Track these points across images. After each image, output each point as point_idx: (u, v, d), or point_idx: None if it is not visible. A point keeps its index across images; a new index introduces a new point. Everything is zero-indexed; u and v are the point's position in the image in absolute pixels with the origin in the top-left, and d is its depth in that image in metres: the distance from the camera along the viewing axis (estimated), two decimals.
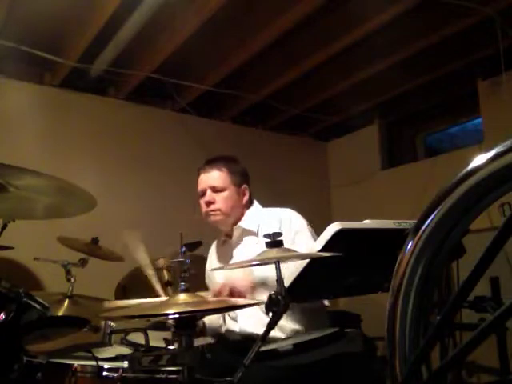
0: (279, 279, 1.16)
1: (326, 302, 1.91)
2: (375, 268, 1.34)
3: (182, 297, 1.20)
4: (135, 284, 2.58)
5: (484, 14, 2.75)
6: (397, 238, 0.81)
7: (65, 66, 3.09)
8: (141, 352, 1.50)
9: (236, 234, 2.04)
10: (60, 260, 2.33)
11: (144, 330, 1.36)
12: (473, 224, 0.70)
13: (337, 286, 1.44)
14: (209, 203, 2.00)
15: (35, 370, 1.49)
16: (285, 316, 1.20)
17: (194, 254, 2.25)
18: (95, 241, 2.44)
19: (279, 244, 1.20)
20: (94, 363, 1.43)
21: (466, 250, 1.45)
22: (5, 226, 2.09)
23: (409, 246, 0.71)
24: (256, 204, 2.12)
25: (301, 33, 2.96)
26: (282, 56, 3.24)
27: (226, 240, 2.11)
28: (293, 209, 2.04)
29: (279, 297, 1.14)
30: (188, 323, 1.19)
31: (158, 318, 1.54)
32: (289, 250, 1.25)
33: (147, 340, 1.34)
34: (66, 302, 2.21)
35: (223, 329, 2.01)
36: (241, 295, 1.71)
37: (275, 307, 1.14)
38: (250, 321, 1.85)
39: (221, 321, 2.06)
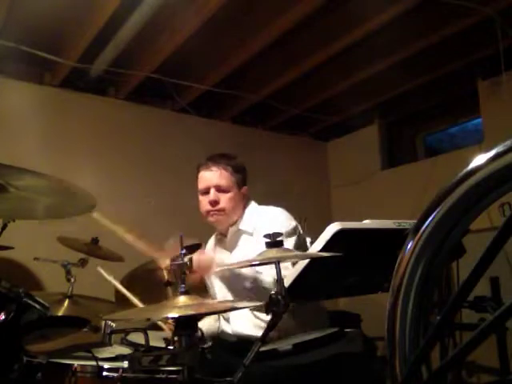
0: (279, 279, 1.16)
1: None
2: (375, 268, 1.34)
3: (182, 299, 1.20)
4: (135, 284, 2.58)
5: (484, 13, 2.75)
6: (397, 237, 0.81)
7: (65, 65, 3.09)
8: (141, 352, 1.50)
9: (231, 234, 2.03)
10: (60, 260, 2.33)
11: (144, 330, 1.36)
12: (473, 224, 0.70)
13: (337, 285, 1.44)
14: (214, 203, 1.96)
15: (35, 370, 1.49)
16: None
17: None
18: (95, 241, 2.44)
19: (279, 244, 1.20)
20: (94, 363, 1.43)
21: (466, 250, 1.45)
22: (5, 226, 2.09)
23: (409, 246, 0.71)
24: (252, 203, 2.09)
25: (301, 33, 2.96)
26: (282, 56, 3.24)
27: (221, 238, 2.09)
28: (293, 209, 2.03)
29: (279, 297, 1.14)
30: (188, 324, 1.19)
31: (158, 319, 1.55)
32: (289, 250, 1.25)
33: (147, 340, 1.34)
34: (66, 302, 2.21)
35: (219, 329, 2.01)
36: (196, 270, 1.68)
37: (275, 307, 1.14)
38: (241, 322, 1.86)
39: (217, 324, 2.06)
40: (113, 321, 1.38)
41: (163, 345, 1.76)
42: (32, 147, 2.96)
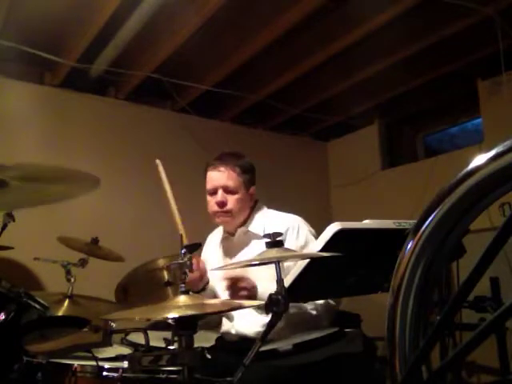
0: (279, 279, 1.16)
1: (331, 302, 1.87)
2: (375, 268, 1.34)
3: (182, 299, 1.20)
4: (135, 284, 2.58)
5: (484, 14, 2.75)
6: (397, 237, 0.81)
7: (65, 65, 3.09)
8: (141, 352, 1.50)
9: (239, 235, 1.99)
10: (60, 260, 2.33)
11: (144, 330, 1.36)
12: (473, 224, 0.70)
13: (337, 285, 1.44)
14: (221, 204, 1.93)
15: (35, 370, 1.49)
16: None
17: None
18: (95, 241, 2.44)
19: (279, 244, 1.20)
20: (94, 363, 1.43)
21: (466, 250, 1.45)
22: (5, 226, 2.09)
23: (409, 246, 0.71)
24: (260, 205, 2.06)
25: (301, 33, 2.96)
26: (282, 56, 3.24)
27: (228, 237, 2.05)
28: (293, 209, 2.03)
29: (279, 297, 1.14)
30: (188, 323, 1.19)
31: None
32: (289, 250, 1.25)
33: (147, 340, 1.34)
34: (66, 302, 2.21)
35: (221, 329, 2.00)
36: (242, 292, 1.66)
37: (275, 307, 1.14)
38: (245, 322, 1.85)
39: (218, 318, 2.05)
40: (113, 321, 1.38)
41: (163, 345, 1.77)
42: (32, 147, 2.96)
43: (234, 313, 1.90)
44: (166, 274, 2.58)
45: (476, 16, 2.79)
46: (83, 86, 3.33)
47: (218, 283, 2.03)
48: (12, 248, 2.36)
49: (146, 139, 3.58)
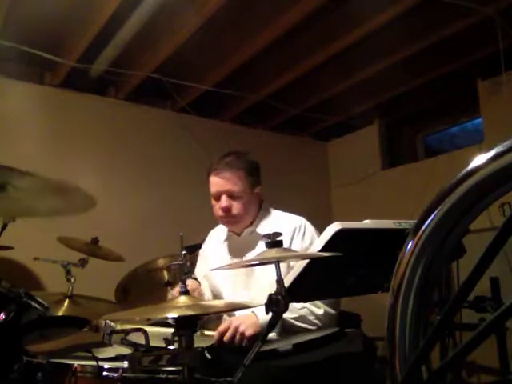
0: (279, 279, 1.16)
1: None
2: (375, 268, 1.34)
3: (182, 299, 1.20)
4: (135, 284, 2.59)
5: (484, 13, 2.75)
6: (397, 237, 0.81)
7: (65, 65, 3.09)
8: (141, 352, 1.50)
9: (247, 235, 1.97)
10: (60, 260, 2.33)
11: (144, 330, 1.35)
12: (473, 224, 0.70)
13: (337, 286, 1.44)
14: (226, 210, 1.88)
15: (35, 370, 1.48)
16: None
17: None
18: (95, 241, 2.44)
19: (279, 244, 1.20)
20: (94, 363, 1.43)
21: (466, 250, 1.45)
22: (5, 226, 2.09)
23: (409, 246, 0.71)
24: (266, 205, 2.03)
25: (301, 33, 2.96)
26: (282, 56, 3.24)
27: (233, 236, 2.02)
28: (293, 209, 2.03)
29: (279, 297, 1.14)
30: (188, 323, 1.19)
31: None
32: (289, 250, 1.25)
33: (147, 340, 1.34)
34: (66, 302, 2.21)
35: None
36: (242, 337, 1.59)
37: (275, 307, 1.14)
38: None
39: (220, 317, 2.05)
40: (113, 321, 1.38)
41: (163, 345, 1.76)
42: (32, 147, 2.96)
43: (236, 313, 1.90)
44: (165, 274, 2.58)
45: (476, 16, 2.79)
46: (83, 85, 3.33)
47: (221, 282, 2.02)
48: (12, 248, 2.36)
49: (146, 139, 3.58)
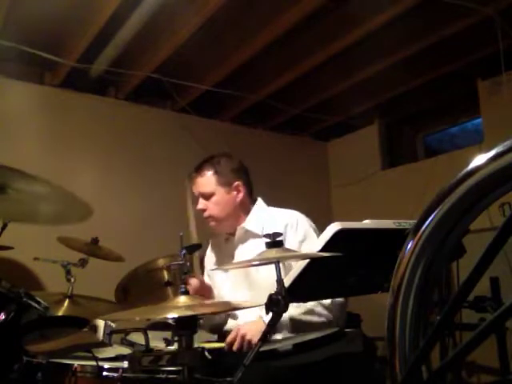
0: (279, 279, 1.16)
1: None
2: (375, 268, 1.34)
3: (182, 299, 1.20)
4: (135, 284, 2.58)
5: (484, 13, 2.75)
6: (397, 237, 0.81)
7: (65, 65, 3.09)
8: (141, 352, 1.50)
9: (239, 234, 2.00)
10: (60, 260, 2.33)
11: (144, 330, 1.36)
12: (473, 224, 0.70)
13: (337, 285, 1.44)
14: (201, 211, 1.98)
15: (35, 370, 1.49)
16: None
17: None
18: (95, 241, 2.44)
19: (279, 244, 1.20)
20: (94, 363, 1.43)
21: (466, 250, 1.45)
22: (5, 226, 2.09)
23: (409, 246, 0.71)
24: (260, 202, 2.06)
25: (301, 33, 2.96)
26: (282, 56, 3.24)
27: (229, 238, 2.06)
28: (293, 209, 2.03)
29: (279, 297, 1.14)
30: (188, 323, 1.19)
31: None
32: (289, 250, 1.25)
33: (147, 340, 1.34)
34: (66, 302, 2.21)
35: (225, 328, 2.00)
36: (250, 344, 1.60)
37: (275, 307, 1.14)
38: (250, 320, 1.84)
39: (223, 316, 2.05)
40: (113, 321, 1.38)
41: (163, 345, 1.77)
42: (32, 147, 2.96)
43: (238, 312, 1.90)
44: (165, 274, 2.58)
45: (476, 16, 2.79)
46: (83, 85, 3.33)
47: (222, 284, 2.02)
48: (12, 248, 2.36)
49: (145, 139, 3.58)
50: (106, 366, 1.44)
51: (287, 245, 1.83)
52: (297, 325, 1.72)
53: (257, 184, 2.16)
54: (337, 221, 1.24)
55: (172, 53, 3.03)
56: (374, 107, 4.09)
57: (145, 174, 3.52)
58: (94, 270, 2.44)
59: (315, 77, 3.48)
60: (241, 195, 2.00)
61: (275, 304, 1.14)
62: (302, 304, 1.71)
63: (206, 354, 1.35)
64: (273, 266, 1.18)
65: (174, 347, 1.48)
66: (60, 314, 2.12)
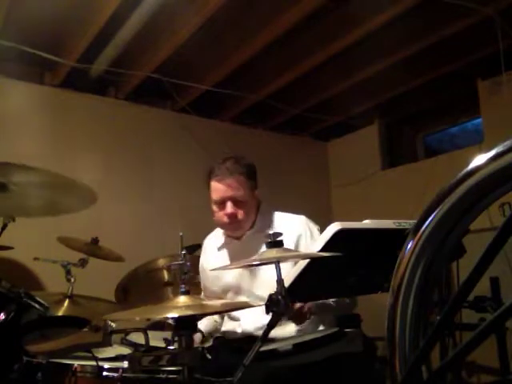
0: (279, 279, 1.16)
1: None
2: (375, 268, 1.34)
3: (183, 299, 1.20)
4: (135, 284, 2.59)
5: (484, 13, 2.75)
6: (397, 237, 0.81)
7: (65, 65, 3.09)
8: (141, 352, 1.50)
9: (249, 237, 1.95)
10: (60, 260, 2.33)
11: (144, 330, 1.36)
12: (473, 224, 0.70)
13: (337, 285, 1.44)
14: (233, 216, 1.87)
15: (35, 370, 1.49)
16: None
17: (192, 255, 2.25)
18: (95, 241, 2.44)
19: (279, 244, 1.20)
20: (94, 363, 1.43)
21: (466, 250, 1.45)
22: (5, 226, 2.08)
23: (409, 246, 0.71)
24: (265, 206, 2.03)
25: (301, 33, 2.96)
26: (282, 56, 3.25)
27: (232, 241, 2.01)
28: (293, 209, 2.02)
29: (279, 297, 1.14)
30: (188, 324, 1.19)
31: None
32: (289, 250, 1.25)
33: (147, 340, 1.34)
34: (66, 302, 2.21)
35: (222, 328, 1.99)
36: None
37: (275, 307, 1.14)
38: (252, 320, 1.84)
39: (218, 319, 2.04)
40: (113, 321, 1.38)
41: (163, 345, 1.77)
42: (32, 147, 2.96)
43: (240, 313, 1.89)
44: (165, 274, 2.58)
45: (476, 16, 2.79)
46: (83, 85, 3.33)
47: (222, 291, 2.00)
48: (12, 248, 2.36)
49: (145, 139, 3.58)
50: (106, 366, 1.45)
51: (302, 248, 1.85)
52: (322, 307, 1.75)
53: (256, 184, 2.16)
54: (337, 221, 1.24)
55: (172, 53, 3.03)
56: (374, 107, 4.09)
57: (145, 174, 3.52)
58: (94, 270, 2.44)
59: (315, 77, 3.48)
60: (257, 201, 1.98)
61: (275, 304, 1.14)
62: None
63: (206, 354, 1.35)
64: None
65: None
66: (60, 313, 2.12)
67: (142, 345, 1.64)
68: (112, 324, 1.36)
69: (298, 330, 1.76)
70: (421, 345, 0.69)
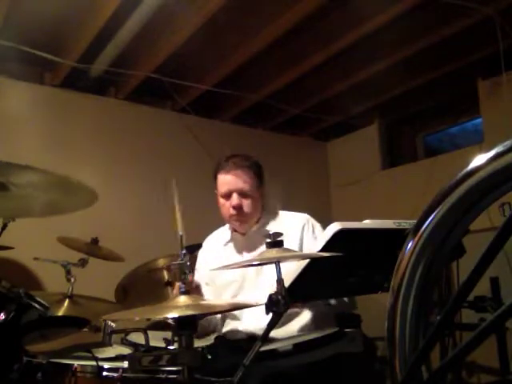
0: (279, 279, 1.16)
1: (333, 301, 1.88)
2: (375, 268, 1.34)
3: (183, 299, 1.20)
4: (135, 284, 2.59)
5: (484, 13, 2.75)
6: (397, 237, 0.81)
7: (65, 65, 3.09)
8: (141, 352, 1.50)
9: (254, 233, 1.98)
10: (60, 260, 2.33)
11: (144, 330, 1.36)
12: (473, 224, 0.70)
13: (337, 285, 1.44)
14: (238, 207, 1.92)
15: (35, 370, 1.49)
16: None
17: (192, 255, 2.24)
18: (95, 241, 2.44)
19: (279, 244, 1.20)
20: (94, 363, 1.43)
21: (466, 250, 1.45)
22: (5, 226, 2.09)
23: (409, 246, 0.71)
24: (270, 205, 2.08)
25: (301, 33, 2.96)
26: (282, 56, 3.24)
27: (236, 237, 2.03)
28: (293, 209, 2.03)
29: (279, 297, 1.14)
30: (188, 324, 1.19)
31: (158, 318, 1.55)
32: (289, 250, 1.25)
33: (147, 340, 1.34)
34: (66, 302, 2.21)
35: (224, 329, 1.99)
36: None
37: (275, 307, 1.14)
38: (255, 320, 1.83)
39: (218, 317, 2.04)
40: (113, 321, 1.38)
41: (163, 345, 1.77)
42: (32, 147, 2.96)
43: (242, 312, 1.89)
44: (165, 274, 2.58)
45: (476, 16, 2.79)
46: (83, 85, 3.33)
47: (227, 283, 2.00)
48: (12, 248, 2.36)
49: (146, 139, 3.58)
50: (106, 366, 1.45)
51: (306, 243, 1.89)
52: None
53: None
54: (337, 221, 1.24)
55: (172, 53, 3.03)
56: (374, 107, 4.09)
57: (145, 174, 3.52)
58: (94, 270, 2.44)
59: (315, 77, 3.48)
60: (264, 198, 2.02)
61: (275, 304, 1.14)
62: None
63: (206, 354, 1.35)
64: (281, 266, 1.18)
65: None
66: (60, 313, 2.12)
67: (142, 345, 1.64)
68: (112, 324, 1.36)
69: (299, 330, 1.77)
70: (421, 345, 0.69)
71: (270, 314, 1.14)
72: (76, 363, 1.49)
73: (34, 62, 3.04)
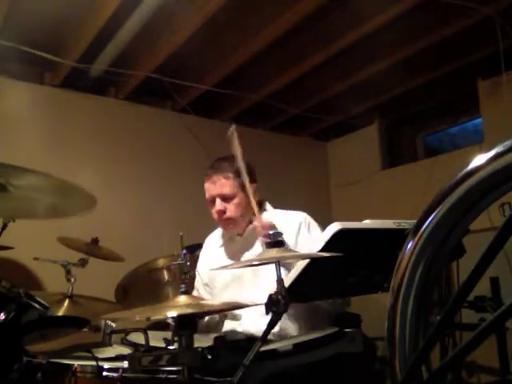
0: (279, 279, 1.16)
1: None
2: (375, 268, 1.34)
3: (183, 298, 1.20)
4: (135, 284, 2.58)
5: (484, 13, 2.75)
6: (397, 237, 0.81)
7: (65, 65, 3.09)
8: (141, 352, 1.50)
9: (250, 233, 1.99)
10: (60, 260, 2.33)
11: (144, 330, 1.36)
12: (473, 224, 0.70)
13: (337, 285, 1.44)
14: (221, 212, 1.95)
15: (35, 370, 1.49)
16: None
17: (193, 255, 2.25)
18: (95, 241, 2.44)
19: (279, 244, 1.20)
20: (94, 363, 1.43)
21: (466, 250, 1.45)
22: (5, 226, 2.08)
23: (409, 246, 0.71)
24: (267, 205, 2.07)
25: (301, 33, 2.96)
26: (282, 56, 3.24)
27: (234, 238, 2.04)
28: (293, 209, 2.03)
29: (279, 297, 1.14)
30: (188, 323, 1.19)
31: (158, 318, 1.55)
32: (289, 250, 1.25)
33: (147, 340, 1.34)
34: (66, 302, 2.21)
35: (223, 329, 2.00)
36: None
37: (275, 307, 1.14)
38: (254, 321, 1.84)
39: (217, 318, 2.04)
40: (113, 321, 1.38)
41: (163, 345, 1.76)
42: (32, 147, 2.96)
43: (241, 312, 1.89)
44: (165, 274, 2.58)
45: (476, 16, 2.79)
46: (83, 85, 3.33)
47: (225, 283, 2.00)
48: (12, 248, 2.36)
49: (146, 139, 3.58)
50: (106, 366, 1.44)
51: (300, 241, 1.89)
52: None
53: (257, 184, 2.16)
54: (337, 221, 1.24)
55: (172, 53, 3.03)
56: (374, 107, 4.09)
57: (145, 174, 3.52)
58: (94, 270, 2.44)
59: (315, 77, 3.48)
60: (256, 197, 1.99)
61: (275, 304, 1.14)
62: None
63: (206, 354, 1.35)
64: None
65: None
66: (60, 313, 2.12)
67: (142, 345, 1.64)
68: (112, 324, 1.36)
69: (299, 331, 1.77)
70: (421, 345, 0.69)
71: (270, 314, 1.14)
72: (76, 363, 1.49)
73: (34, 62, 3.04)
